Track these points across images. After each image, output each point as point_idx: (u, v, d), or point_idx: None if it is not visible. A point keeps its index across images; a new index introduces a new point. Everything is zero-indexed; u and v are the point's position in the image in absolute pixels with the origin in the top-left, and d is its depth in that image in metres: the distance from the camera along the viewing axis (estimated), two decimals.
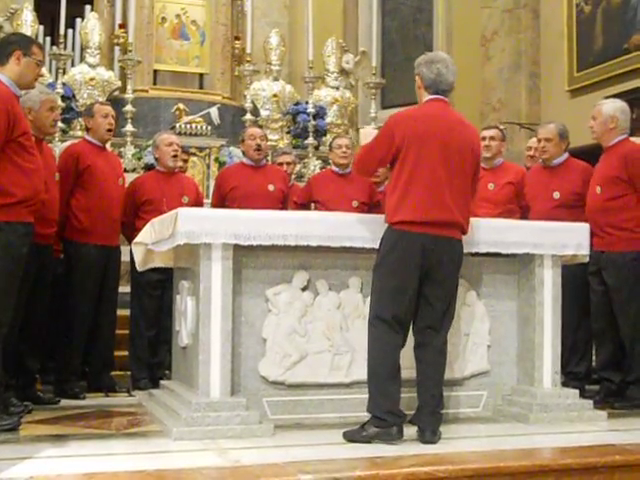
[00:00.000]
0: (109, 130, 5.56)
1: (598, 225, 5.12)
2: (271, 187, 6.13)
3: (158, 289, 5.62)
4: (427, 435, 3.95)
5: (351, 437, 3.97)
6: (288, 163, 6.78)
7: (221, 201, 6.11)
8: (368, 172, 4.48)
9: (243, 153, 6.48)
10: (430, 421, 4.00)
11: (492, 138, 5.91)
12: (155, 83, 9.37)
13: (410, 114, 4.18)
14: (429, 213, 3.99)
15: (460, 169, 4.08)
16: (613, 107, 5.26)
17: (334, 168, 6.33)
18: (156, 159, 5.94)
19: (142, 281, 5.60)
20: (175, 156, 5.85)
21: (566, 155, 5.60)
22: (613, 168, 5.14)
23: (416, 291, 4.04)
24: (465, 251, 4.40)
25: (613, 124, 5.20)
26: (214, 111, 8.93)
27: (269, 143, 7.35)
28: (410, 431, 4.03)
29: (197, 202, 5.93)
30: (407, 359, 4.11)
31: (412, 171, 4.01)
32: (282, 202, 6.17)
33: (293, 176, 7.15)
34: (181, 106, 8.76)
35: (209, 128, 8.71)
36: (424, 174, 4.00)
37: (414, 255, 3.99)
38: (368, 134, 4.69)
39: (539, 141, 5.62)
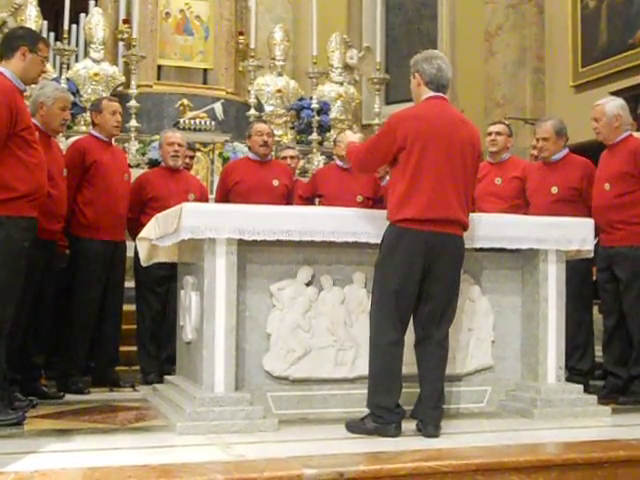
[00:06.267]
0: (116, 127, 5.56)
1: (608, 222, 5.12)
2: (275, 182, 6.12)
3: (164, 285, 5.63)
4: (430, 429, 3.96)
5: (352, 428, 4.01)
6: (292, 157, 6.77)
7: (225, 195, 6.10)
8: (368, 171, 4.80)
9: (249, 148, 6.48)
10: (433, 415, 4.01)
11: (498, 133, 5.96)
12: (159, 78, 9.37)
13: (411, 113, 4.18)
14: (433, 211, 3.99)
15: (462, 166, 4.10)
16: (615, 105, 5.28)
17: (338, 162, 6.30)
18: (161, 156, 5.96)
19: (147, 278, 5.61)
20: (175, 156, 5.84)
21: (565, 151, 5.60)
22: (622, 164, 5.15)
23: (417, 288, 4.05)
24: (469, 246, 4.40)
25: (618, 122, 5.22)
26: (218, 106, 8.93)
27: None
28: (412, 425, 4.03)
29: (202, 199, 5.92)
30: (408, 355, 4.11)
31: (415, 169, 4.02)
32: (286, 197, 6.16)
33: (297, 171, 7.14)
34: (185, 101, 8.77)
35: (213, 123, 8.72)
36: (428, 172, 4.01)
37: (417, 253, 3.99)
38: (350, 136, 5.11)
39: (537, 140, 5.63)
